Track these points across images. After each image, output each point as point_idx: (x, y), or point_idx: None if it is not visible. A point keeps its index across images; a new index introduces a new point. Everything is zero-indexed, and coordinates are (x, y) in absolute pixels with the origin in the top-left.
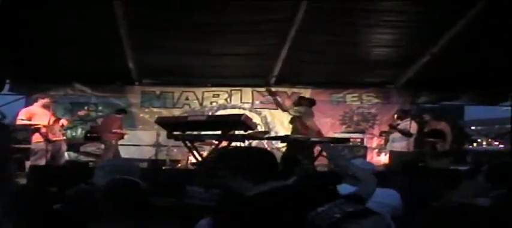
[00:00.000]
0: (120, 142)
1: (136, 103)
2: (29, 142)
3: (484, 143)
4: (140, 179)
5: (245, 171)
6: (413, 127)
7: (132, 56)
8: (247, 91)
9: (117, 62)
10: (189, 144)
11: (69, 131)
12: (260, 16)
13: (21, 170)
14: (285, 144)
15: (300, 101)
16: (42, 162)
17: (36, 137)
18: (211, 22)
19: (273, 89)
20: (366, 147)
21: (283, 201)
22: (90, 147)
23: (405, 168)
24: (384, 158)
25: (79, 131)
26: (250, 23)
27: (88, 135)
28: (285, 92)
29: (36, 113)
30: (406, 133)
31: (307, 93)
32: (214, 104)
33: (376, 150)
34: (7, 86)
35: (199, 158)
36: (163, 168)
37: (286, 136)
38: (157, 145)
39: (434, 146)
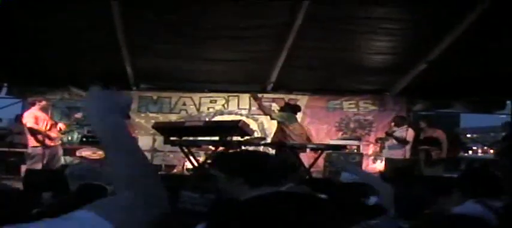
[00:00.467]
0: None
1: (133, 108)
2: (24, 146)
3: (479, 150)
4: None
5: (242, 175)
6: (409, 134)
7: (130, 61)
8: (245, 97)
9: (114, 67)
10: (185, 150)
11: (65, 136)
12: (257, 22)
13: (17, 173)
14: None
15: (284, 107)
16: (39, 166)
17: (33, 141)
18: (209, 28)
19: (271, 95)
20: (361, 154)
21: (283, 207)
22: (86, 152)
23: (399, 175)
24: (379, 165)
25: (75, 135)
26: (247, 29)
27: (84, 139)
28: (282, 98)
29: (38, 117)
30: (402, 140)
31: (304, 99)
32: (211, 109)
33: (372, 157)
34: (4, 90)
35: (196, 164)
36: (159, 173)
37: (283, 143)
38: (153, 150)
39: (429, 153)
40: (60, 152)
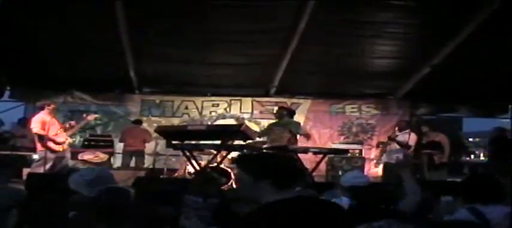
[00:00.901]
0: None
1: (136, 111)
2: (26, 149)
3: (482, 155)
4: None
5: (270, 177)
6: (412, 138)
7: (133, 65)
8: (247, 101)
9: (118, 70)
10: (187, 154)
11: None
12: (261, 26)
13: (19, 177)
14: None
15: (281, 111)
16: (41, 170)
17: (40, 146)
18: (212, 32)
19: (273, 99)
20: (364, 159)
21: (311, 211)
22: (88, 155)
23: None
24: (381, 170)
25: (77, 138)
26: (251, 33)
27: (86, 142)
28: (285, 102)
29: (46, 121)
30: (404, 144)
31: (307, 103)
32: (213, 113)
33: (374, 161)
34: (7, 93)
35: (198, 168)
36: (161, 177)
37: (285, 146)
38: (155, 154)
39: (431, 157)
40: (68, 155)
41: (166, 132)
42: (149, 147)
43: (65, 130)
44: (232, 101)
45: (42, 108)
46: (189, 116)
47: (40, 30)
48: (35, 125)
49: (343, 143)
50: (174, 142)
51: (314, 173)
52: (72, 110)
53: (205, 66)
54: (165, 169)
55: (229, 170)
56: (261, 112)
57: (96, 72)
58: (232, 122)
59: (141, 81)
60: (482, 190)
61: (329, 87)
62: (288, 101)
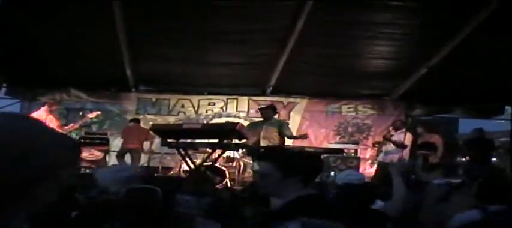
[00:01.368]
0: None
1: (132, 110)
2: None
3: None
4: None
5: (301, 174)
6: (408, 138)
7: (129, 63)
8: (243, 100)
9: (114, 68)
10: (182, 152)
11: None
12: (258, 26)
13: None
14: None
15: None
16: None
17: None
18: (209, 31)
19: (270, 98)
20: (359, 158)
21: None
22: (84, 153)
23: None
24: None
25: (73, 136)
26: (247, 32)
27: (81, 140)
28: (281, 101)
29: (44, 119)
30: (400, 145)
31: (303, 103)
32: (209, 112)
33: (370, 161)
34: (3, 90)
35: (192, 166)
36: (155, 175)
37: (281, 146)
38: (150, 152)
39: (426, 158)
40: None
41: (162, 131)
42: (144, 145)
43: (61, 128)
44: (229, 100)
45: (43, 105)
46: (185, 114)
47: (37, 28)
48: None
49: (339, 143)
50: (169, 140)
51: None
52: (68, 107)
53: (202, 65)
54: (160, 167)
55: (224, 168)
56: (257, 111)
57: (93, 71)
58: (229, 120)
59: (138, 80)
60: (496, 191)
61: (325, 87)
62: (284, 101)
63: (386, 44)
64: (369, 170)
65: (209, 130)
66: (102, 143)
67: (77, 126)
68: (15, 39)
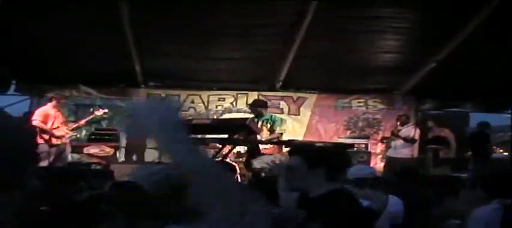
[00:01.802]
0: None
1: None
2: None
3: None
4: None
5: (325, 168)
6: (417, 133)
7: (138, 59)
8: (254, 95)
9: (123, 64)
10: None
11: (73, 133)
12: (266, 20)
13: None
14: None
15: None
16: (45, 163)
17: (39, 139)
18: (217, 26)
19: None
20: (369, 153)
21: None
22: (94, 149)
23: (405, 175)
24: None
25: (83, 132)
26: (256, 28)
27: (92, 136)
28: (291, 96)
29: (49, 114)
30: (409, 140)
31: (312, 98)
32: (219, 107)
33: (380, 156)
34: (12, 87)
35: None
36: None
37: (291, 141)
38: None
39: (437, 152)
40: (68, 149)
41: None
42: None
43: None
44: (239, 95)
45: (50, 100)
46: (195, 110)
47: (45, 25)
48: (37, 117)
49: (350, 138)
50: None
51: None
52: (78, 104)
53: (211, 61)
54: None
55: (234, 164)
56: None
57: (102, 67)
58: (239, 115)
59: (147, 76)
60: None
61: (334, 82)
62: (294, 96)
63: (394, 38)
64: (379, 164)
65: (219, 125)
66: (112, 139)
67: (84, 123)
68: (23, 37)
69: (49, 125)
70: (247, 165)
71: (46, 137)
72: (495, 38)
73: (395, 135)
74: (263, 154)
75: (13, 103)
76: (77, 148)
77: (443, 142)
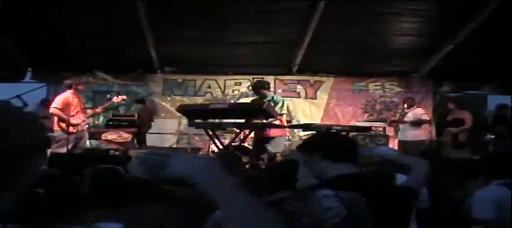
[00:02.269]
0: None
1: (158, 91)
2: (49, 131)
3: None
4: None
5: (335, 155)
6: (423, 115)
7: (154, 44)
8: (270, 79)
9: (139, 50)
10: (210, 133)
11: (91, 120)
12: (282, 5)
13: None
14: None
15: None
16: (63, 150)
17: (57, 126)
18: (233, 11)
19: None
20: (387, 136)
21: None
22: (111, 135)
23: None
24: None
25: (101, 118)
26: (272, 12)
27: (109, 122)
28: (308, 80)
29: (68, 102)
30: (417, 123)
31: (329, 81)
32: (236, 92)
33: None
34: (29, 74)
35: (220, 146)
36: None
37: (308, 124)
38: (178, 133)
39: (456, 135)
40: (86, 136)
41: (188, 111)
42: (172, 126)
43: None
44: (255, 80)
45: (69, 87)
46: (211, 94)
47: (62, 13)
48: (55, 104)
49: (367, 121)
50: (196, 121)
51: None
52: (95, 90)
53: (227, 46)
54: (189, 149)
55: (239, 154)
56: (283, 90)
57: (118, 53)
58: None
59: (163, 61)
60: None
61: (351, 65)
62: (310, 79)
63: (411, 21)
64: (396, 147)
65: (236, 110)
66: (130, 125)
67: (102, 109)
68: (39, 23)
69: (69, 112)
70: (256, 147)
71: (63, 125)
72: None
73: (401, 122)
74: (272, 137)
75: (30, 90)
76: (94, 134)
77: (462, 124)
